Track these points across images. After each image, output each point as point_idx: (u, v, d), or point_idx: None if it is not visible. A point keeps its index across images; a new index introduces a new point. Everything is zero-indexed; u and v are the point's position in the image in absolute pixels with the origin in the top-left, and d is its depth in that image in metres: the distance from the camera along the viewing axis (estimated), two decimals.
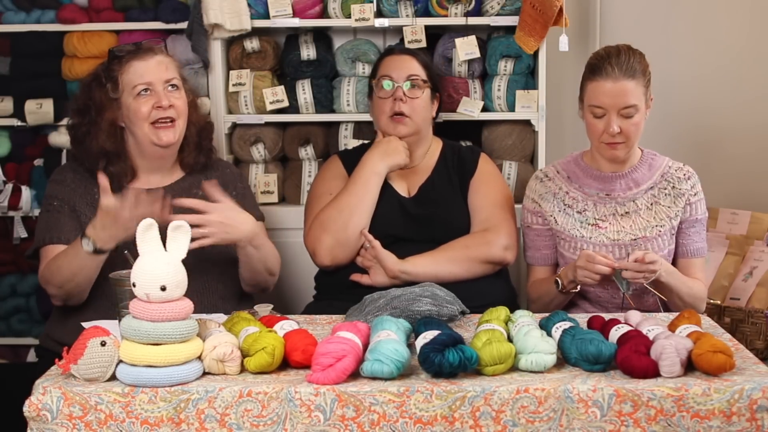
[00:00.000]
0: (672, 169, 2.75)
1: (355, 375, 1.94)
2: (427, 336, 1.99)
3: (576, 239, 2.72)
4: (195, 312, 1.98)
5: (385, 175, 2.84)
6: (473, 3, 3.33)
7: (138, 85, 2.59)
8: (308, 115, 3.44)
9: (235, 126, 3.47)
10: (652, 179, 2.74)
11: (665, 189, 2.72)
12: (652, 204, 2.72)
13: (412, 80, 2.89)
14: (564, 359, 2.04)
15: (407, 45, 3.29)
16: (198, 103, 2.83)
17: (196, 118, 2.75)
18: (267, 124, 3.46)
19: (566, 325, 2.11)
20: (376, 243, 2.72)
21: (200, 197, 2.62)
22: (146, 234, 1.93)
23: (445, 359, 1.91)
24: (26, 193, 3.45)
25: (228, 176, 2.83)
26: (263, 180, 3.46)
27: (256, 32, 3.41)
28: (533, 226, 2.81)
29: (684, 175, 2.74)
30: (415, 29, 3.32)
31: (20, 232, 3.48)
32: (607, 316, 2.27)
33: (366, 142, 3.15)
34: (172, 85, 2.64)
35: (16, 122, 3.43)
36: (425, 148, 2.96)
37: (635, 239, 2.69)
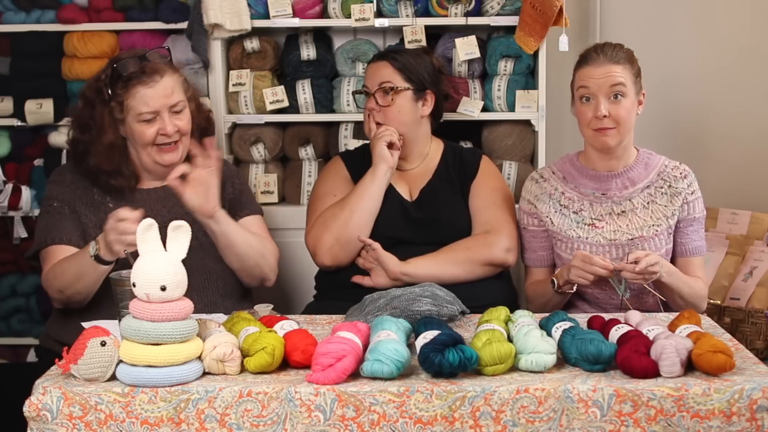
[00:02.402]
0: (668, 168, 2.75)
1: (355, 375, 1.94)
2: (427, 336, 1.99)
3: (572, 240, 2.72)
4: (196, 310, 1.98)
5: (390, 173, 2.81)
6: (473, 3, 3.33)
7: (144, 113, 2.55)
8: (308, 115, 3.44)
9: (235, 126, 3.47)
10: (648, 178, 2.73)
11: (662, 188, 2.72)
12: (648, 203, 2.71)
13: (382, 88, 2.86)
14: (564, 359, 2.03)
15: (407, 45, 3.29)
16: (200, 99, 2.81)
17: (197, 114, 2.73)
18: (267, 124, 3.46)
19: (566, 325, 2.11)
20: (377, 245, 2.71)
21: None
22: (146, 234, 1.93)
23: (445, 359, 1.91)
24: (26, 193, 3.45)
25: (225, 172, 2.82)
26: (263, 180, 3.45)
27: (256, 32, 3.41)
28: (529, 228, 2.81)
29: (680, 173, 2.74)
30: (415, 29, 3.32)
31: (20, 232, 3.48)
32: (606, 317, 2.27)
33: (367, 142, 3.15)
34: (177, 110, 2.61)
35: (16, 122, 3.43)
36: (422, 148, 2.94)
37: (632, 239, 2.68)
